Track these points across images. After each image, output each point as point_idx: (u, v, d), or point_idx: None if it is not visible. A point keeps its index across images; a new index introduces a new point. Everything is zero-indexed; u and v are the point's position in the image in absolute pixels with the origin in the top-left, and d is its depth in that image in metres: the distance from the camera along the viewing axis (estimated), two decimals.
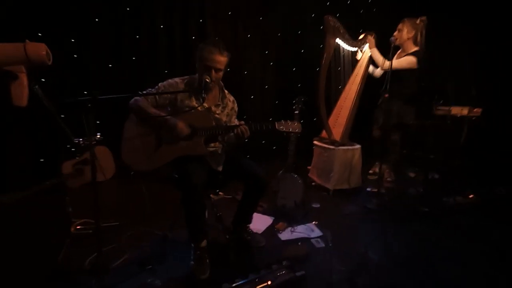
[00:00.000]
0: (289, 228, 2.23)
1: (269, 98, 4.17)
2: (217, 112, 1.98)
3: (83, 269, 1.78)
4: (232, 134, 1.86)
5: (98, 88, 3.25)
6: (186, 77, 1.95)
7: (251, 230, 2.14)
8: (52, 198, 2.45)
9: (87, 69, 3.26)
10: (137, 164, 1.77)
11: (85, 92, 3.26)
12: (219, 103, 1.99)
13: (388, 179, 3.18)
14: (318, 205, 2.31)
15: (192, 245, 1.82)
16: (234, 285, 1.57)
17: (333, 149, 2.92)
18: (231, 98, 2.06)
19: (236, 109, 2.08)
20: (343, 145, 2.97)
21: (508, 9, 3.14)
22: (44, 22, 2.93)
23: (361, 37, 3.05)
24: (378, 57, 2.99)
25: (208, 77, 1.76)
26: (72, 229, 2.08)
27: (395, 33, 2.91)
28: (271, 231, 2.25)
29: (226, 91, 2.03)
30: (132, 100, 1.83)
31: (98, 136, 1.73)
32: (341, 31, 2.87)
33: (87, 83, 3.27)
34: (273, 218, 2.40)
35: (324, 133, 3.14)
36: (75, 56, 3.17)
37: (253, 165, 1.94)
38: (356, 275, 1.75)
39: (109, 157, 3.35)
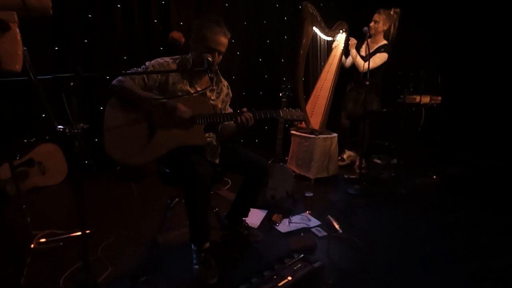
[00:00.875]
0: (286, 220, 2.15)
1: (236, 89, 3.97)
2: (212, 98, 1.78)
3: None
4: (229, 122, 1.70)
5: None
6: (176, 56, 1.71)
7: (247, 224, 2.00)
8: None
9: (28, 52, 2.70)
10: (128, 157, 1.48)
11: (25, 78, 2.70)
12: (214, 87, 1.79)
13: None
14: (311, 194, 2.27)
15: (194, 247, 1.61)
16: (253, 286, 1.42)
17: (314, 138, 2.91)
18: (226, 83, 1.88)
19: (231, 95, 1.91)
20: (321, 133, 2.99)
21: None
22: None
23: (334, 27, 3.09)
24: (359, 60, 3.04)
25: (210, 55, 1.55)
26: (34, 243, 1.67)
27: (371, 24, 2.99)
28: (267, 224, 2.14)
29: (220, 75, 1.84)
30: (115, 81, 1.53)
31: (82, 125, 1.38)
32: (319, 19, 2.86)
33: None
34: (265, 211, 2.28)
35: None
36: None
37: (254, 156, 1.80)
38: (367, 259, 1.75)
39: (60, 157, 2.87)
